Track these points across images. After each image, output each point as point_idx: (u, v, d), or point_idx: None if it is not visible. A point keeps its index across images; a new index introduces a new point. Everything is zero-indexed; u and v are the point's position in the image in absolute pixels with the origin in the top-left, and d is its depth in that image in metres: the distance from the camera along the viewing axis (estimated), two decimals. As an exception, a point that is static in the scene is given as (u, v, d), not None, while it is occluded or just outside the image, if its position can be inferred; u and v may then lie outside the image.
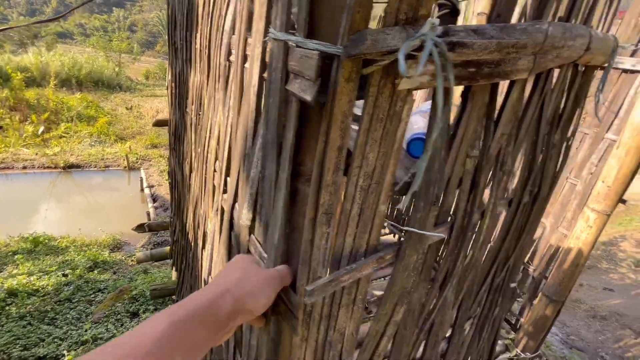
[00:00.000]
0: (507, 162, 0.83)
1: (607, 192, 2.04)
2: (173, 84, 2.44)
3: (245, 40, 0.76)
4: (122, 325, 3.87)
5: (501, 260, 1.13)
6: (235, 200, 0.82)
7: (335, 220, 0.53)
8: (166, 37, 2.99)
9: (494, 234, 1.01)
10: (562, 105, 1.02)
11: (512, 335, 2.75)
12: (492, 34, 0.50)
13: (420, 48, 0.42)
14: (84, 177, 8.06)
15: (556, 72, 0.87)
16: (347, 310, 0.64)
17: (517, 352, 2.60)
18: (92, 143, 9.70)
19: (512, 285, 1.37)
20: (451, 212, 0.75)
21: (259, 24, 0.62)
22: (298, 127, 0.52)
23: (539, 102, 0.83)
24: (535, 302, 2.52)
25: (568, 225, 2.32)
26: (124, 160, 8.51)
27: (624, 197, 2.10)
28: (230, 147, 0.90)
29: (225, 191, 0.95)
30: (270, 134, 0.56)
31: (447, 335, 1.08)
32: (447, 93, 0.55)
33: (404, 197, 0.55)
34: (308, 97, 0.43)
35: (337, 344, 0.67)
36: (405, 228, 0.60)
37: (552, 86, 0.89)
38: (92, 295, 4.35)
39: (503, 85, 0.69)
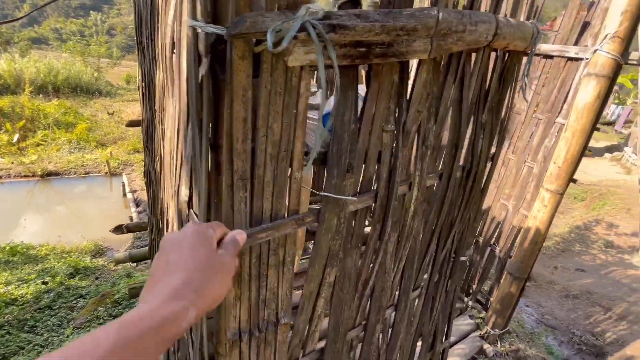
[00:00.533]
0: (429, 137, 0.92)
1: (558, 173, 2.18)
2: (143, 84, 2.47)
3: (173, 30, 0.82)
4: (105, 329, 3.86)
5: (443, 232, 1.22)
6: (180, 181, 0.88)
7: (251, 185, 0.60)
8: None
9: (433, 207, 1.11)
10: (488, 87, 1.12)
11: (483, 314, 2.89)
12: (375, 18, 0.58)
13: (304, 31, 0.50)
14: (64, 184, 7.91)
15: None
16: (276, 270, 0.72)
17: (487, 329, 2.73)
18: (72, 150, 9.52)
19: (463, 258, 1.48)
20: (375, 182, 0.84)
21: (184, 14, 0.69)
22: (215, 104, 0.59)
23: (455, 83, 0.92)
24: (501, 281, 2.65)
25: (528, 206, 2.46)
26: (105, 166, 8.39)
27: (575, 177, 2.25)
28: (178, 134, 0.96)
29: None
30: (192, 113, 0.63)
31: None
32: (347, 72, 0.63)
33: (311, 164, 0.62)
34: (202, 72, 0.50)
35: (272, 303, 0.75)
36: (321, 193, 0.68)
37: (471, 69, 0.99)
38: (74, 302, 4.31)
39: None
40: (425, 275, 1.26)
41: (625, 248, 6.22)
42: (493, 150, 1.34)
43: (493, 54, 1.09)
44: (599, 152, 16.06)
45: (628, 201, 8.64)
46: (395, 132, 0.80)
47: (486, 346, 2.67)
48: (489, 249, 2.82)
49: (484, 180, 1.35)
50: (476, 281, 2.95)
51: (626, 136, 17.73)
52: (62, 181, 8.04)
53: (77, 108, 12.15)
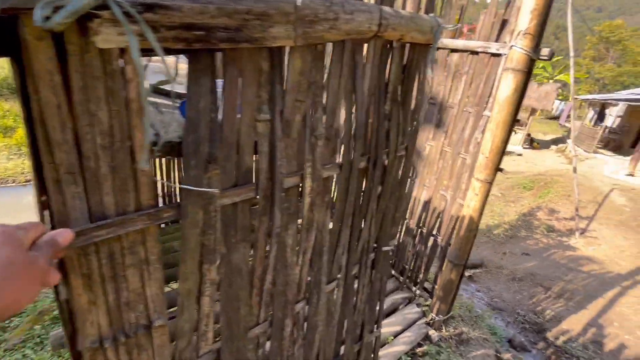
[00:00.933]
0: (319, 128, 0.91)
1: (486, 163, 2.31)
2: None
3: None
4: (42, 348, 3.55)
5: (356, 224, 1.23)
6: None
7: (83, 179, 0.55)
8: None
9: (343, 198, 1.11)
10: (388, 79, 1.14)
11: (429, 301, 3.00)
12: (209, 0, 0.55)
13: (106, 8, 0.46)
14: (1, 194, 7.22)
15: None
16: (138, 270, 0.67)
17: (432, 316, 2.84)
18: (11, 156, 8.74)
19: (386, 248, 1.51)
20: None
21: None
22: (23, 91, 0.54)
23: (342, 72, 0.92)
24: (443, 268, 2.77)
25: (463, 196, 2.58)
26: (47, 172, 7.76)
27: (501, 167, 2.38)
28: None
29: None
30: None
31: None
32: (197, 57, 0.60)
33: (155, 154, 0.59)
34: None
35: (138, 305, 0.70)
36: (178, 185, 0.65)
37: (363, 59, 1.00)
38: (6, 322, 3.93)
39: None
40: (342, 268, 1.27)
41: (564, 231, 6.77)
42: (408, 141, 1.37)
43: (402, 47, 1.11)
44: (546, 145, 17.38)
45: (568, 188, 9.41)
46: (272, 122, 0.79)
47: (431, 332, 2.77)
48: (432, 238, 2.93)
49: (400, 172, 1.38)
50: (422, 270, 3.06)
51: (569, 129, 19.35)
52: (-3, 190, 7.34)
53: (17, 111, 11.12)
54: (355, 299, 1.44)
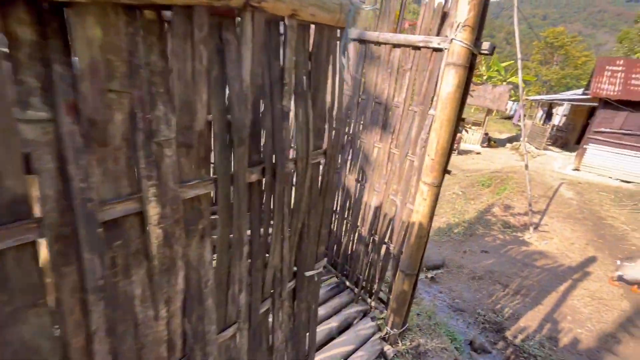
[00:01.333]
0: (162, 130, 0.64)
1: (432, 165, 2.15)
2: None
3: None
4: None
5: (256, 252, 0.98)
6: None
7: None
8: None
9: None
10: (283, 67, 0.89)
11: (384, 313, 2.81)
12: None
13: None
14: None
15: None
16: None
17: (387, 330, 2.65)
18: None
19: (310, 273, 1.26)
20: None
21: None
22: None
23: (195, 53, 0.66)
24: (395, 279, 2.59)
25: (413, 200, 2.41)
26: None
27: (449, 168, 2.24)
28: None
29: None
30: None
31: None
32: None
33: None
34: None
35: None
36: None
37: (238, 38, 0.74)
38: None
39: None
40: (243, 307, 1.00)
41: (519, 227, 6.99)
42: (324, 146, 1.14)
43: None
44: (502, 143, 18.31)
45: (522, 184, 9.83)
46: (56, 123, 0.51)
47: (386, 347, 2.58)
48: (384, 246, 2.75)
49: (318, 181, 1.14)
50: (377, 280, 2.87)
51: (522, 128, 20.53)
52: None
53: None
54: (271, 339, 1.17)
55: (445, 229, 7.32)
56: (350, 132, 2.87)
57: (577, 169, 12.64)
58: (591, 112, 13.84)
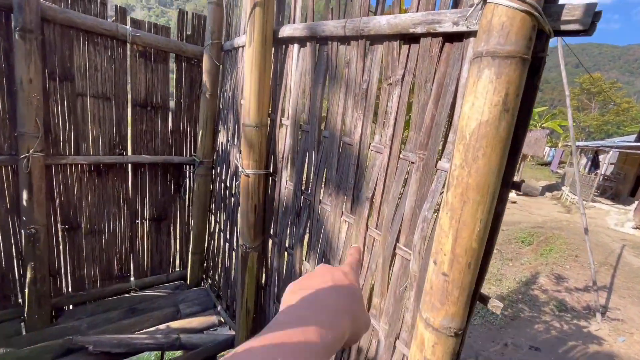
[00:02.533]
0: None
1: (444, 287, 0.93)
2: None
3: None
4: None
5: None
6: None
7: None
8: None
9: None
10: None
11: None
12: None
13: None
14: None
15: None
16: None
17: None
18: None
19: None
20: None
21: None
22: None
23: None
24: None
25: (409, 340, 1.17)
26: None
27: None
28: None
29: None
30: None
31: None
32: None
33: None
34: None
35: None
36: None
37: None
38: None
39: None
40: None
41: (580, 310, 5.23)
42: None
43: None
44: (540, 192, 16.36)
45: (573, 246, 8.02)
46: None
47: None
48: None
49: None
50: None
51: (562, 175, 18.52)
52: None
53: None
54: None
55: (477, 304, 5.69)
56: (309, 191, 1.72)
57: (638, 227, 10.55)
58: (648, 160, 11.92)
